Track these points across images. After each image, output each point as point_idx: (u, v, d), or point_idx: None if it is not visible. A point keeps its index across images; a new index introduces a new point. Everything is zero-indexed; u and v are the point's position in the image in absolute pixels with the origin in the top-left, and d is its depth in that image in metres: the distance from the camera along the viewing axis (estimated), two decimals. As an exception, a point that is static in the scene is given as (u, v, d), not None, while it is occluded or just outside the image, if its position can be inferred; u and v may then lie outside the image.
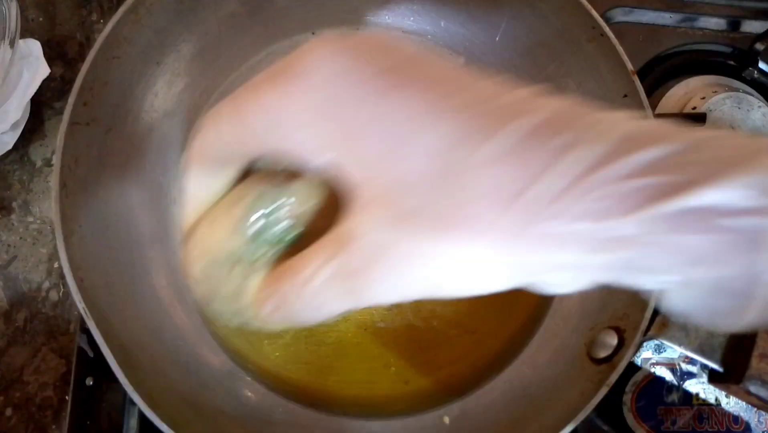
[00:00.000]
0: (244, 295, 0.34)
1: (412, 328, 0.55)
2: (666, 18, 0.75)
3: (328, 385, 0.52)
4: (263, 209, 0.31)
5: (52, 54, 0.68)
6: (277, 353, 0.53)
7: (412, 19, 0.61)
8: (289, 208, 0.31)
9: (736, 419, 0.62)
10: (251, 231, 0.31)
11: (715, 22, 0.76)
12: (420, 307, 0.56)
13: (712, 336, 0.47)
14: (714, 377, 0.49)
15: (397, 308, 0.55)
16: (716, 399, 0.63)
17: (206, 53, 0.57)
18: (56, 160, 0.45)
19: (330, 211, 0.28)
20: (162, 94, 0.55)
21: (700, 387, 0.63)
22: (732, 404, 0.62)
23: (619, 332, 0.48)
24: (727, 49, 0.75)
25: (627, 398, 0.62)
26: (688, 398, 0.62)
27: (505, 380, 0.53)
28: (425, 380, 0.54)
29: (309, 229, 0.31)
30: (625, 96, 0.52)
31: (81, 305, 0.43)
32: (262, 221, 0.31)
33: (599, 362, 0.49)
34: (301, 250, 0.28)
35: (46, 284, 0.63)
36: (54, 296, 0.63)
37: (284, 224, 0.31)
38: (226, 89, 0.58)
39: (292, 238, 0.32)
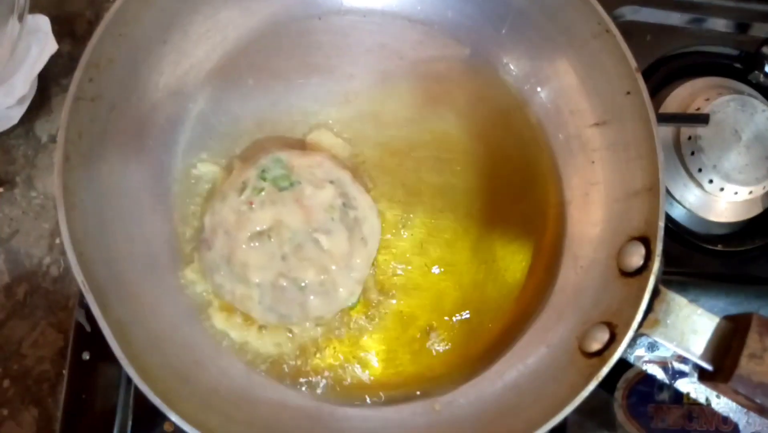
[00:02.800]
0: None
1: (404, 315, 0.55)
2: (674, 18, 0.74)
3: (320, 369, 0.53)
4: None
5: (60, 30, 0.68)
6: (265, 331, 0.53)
7: (419, 8, 0.61)
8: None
9: (725, 419, 0.63)
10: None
11: (723, 24, 0.75)
12: (414, 294, 0.56)
13: (702, 335, 0.48)
14: (703, 376, 0.49)
15: (391, 293, 0.56)
16: (706, 399, 0.63)
17: (213, 34, 0.57)
18: (60, 134, 0.45)
19: None
20: (167, 73, 0.55)
21: (691, 387, 0.63)
22: (722, 404, 0.63)
23: (611, 327, 0.49)
24: (734, 52, 0.75)
25: (618, 394, 0.62)
26: (679, 397, 0.63)
27: (496, 371, 0.53)
28: (418, 368, 0.54)
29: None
30: (628, 93, 0.52)
31: (80, 278, 0.43)
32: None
33: (590, 356, 0.49)
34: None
35: (47, 259, 0.63)
36: (54, 271, 0.63)
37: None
38: (232, 71, 0.58)
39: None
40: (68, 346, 0.58)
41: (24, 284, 0.63)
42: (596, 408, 0.60)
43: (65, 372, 0.57)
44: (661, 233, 0.48)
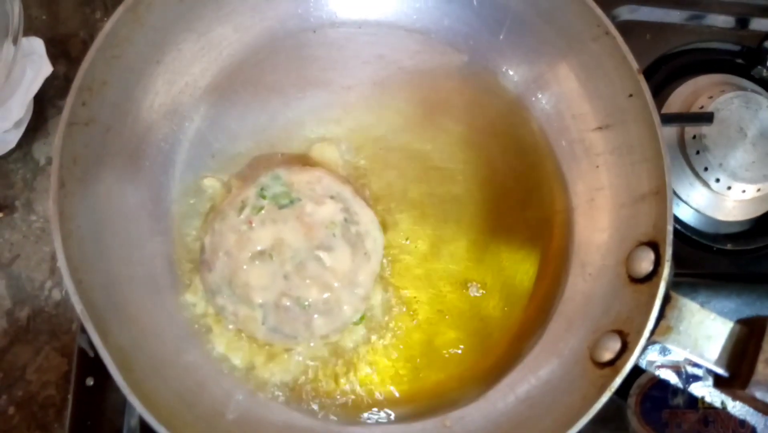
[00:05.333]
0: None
1: (411, 330, 0.55)
2: (673, 16, 0.74)
3: (328, 389, 0.52)
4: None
5: (55, 52, 0.68)
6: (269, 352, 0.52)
7: (415, 16, 0.60)
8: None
9: (742, 422, 0.62)
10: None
11: (723, 20, 0.75)
12: (420, 308, 0.55)
13: (717, 341, 0.47)
14: (719, 382, 0.48)
15: (396, 308, 0.55)
16: (722, 403, 0.62)
17: (207, 52, 0.56)
18: (54, 161, 0.45)
19: None
20: (162, 93, 0.54)
21: (705, 390, 0.62)
22: (738, 407, 0.61)
23: (623, 335, 0.48)
24: (736, 48, 0.74)
25: (631, 401, 0.61)
26: (694, 401, 0.62)
27: (507, 384, 0.52)
28: (426, 384, 0.53)
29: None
30: (631, 96, 0.51)
31: (79, 307, 0.42)
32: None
33: (602, 366, 0.48)
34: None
35: (49, 283, 0.63)
36: (56, 294, 0.63)
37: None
38: (227, 88, 0.58)
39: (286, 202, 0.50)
40: (72, 370, 0.57)
41: (26, 308, 0.62)
42: (609, 416, 0.59)
43: (70, 398, 0.57)
44: (670, 237, 0.47)
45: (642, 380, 0.62)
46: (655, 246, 0.48)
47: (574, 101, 0.57)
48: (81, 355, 0.57)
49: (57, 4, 0.72)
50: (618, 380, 0.45)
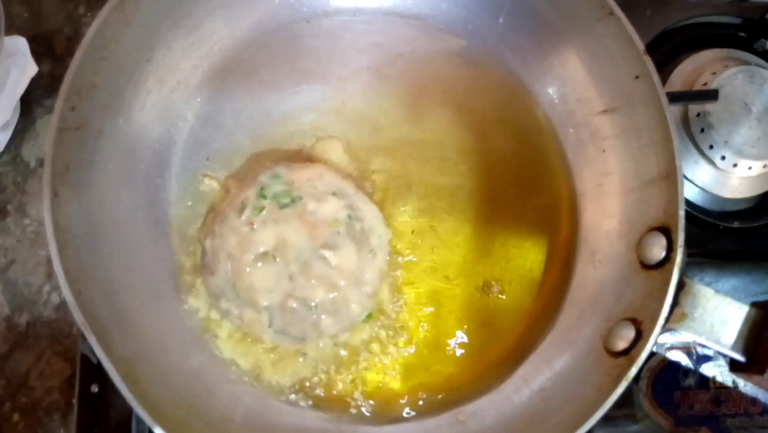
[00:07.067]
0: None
1: (420, 325, 0.54)
2: (673, -10, 0.72)
3: (339, 388, 0.51)
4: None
5: (39, 50, 0.66)
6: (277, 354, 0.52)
7: (411, 2, 0.59)
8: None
9: (753, 401, 0.62)
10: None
11: (724, -7, 0.73)
12: (429, 302, 0.54)
13: (733, 326, 0.46)
14: (735, 367, 0.48)
15: (404, 303, 0.54)
16: (733, 382, 0.62)
17: (198, 48, 0.55)
18: (46, 169, 0.43)
19: None
20: (154, 92, 0.53)
21: (716, 370, 0.62)
22: (749, 386, 0.61)
23: (637, 323, 0.47)
24: (737, 21, 0.73)
25: (643, 384, 0.61)
26: (705, 381, 0.62)
27: (520, 376, 0.51)
28: (438, 379, 0.52)
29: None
30: (637, 78, 0.50)
31: (80, 320, 0.41)
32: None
33: (617, 355, 0.47)
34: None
35: (47, 287, 0.62)
36: (55, 298, 0.62)
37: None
38: (220, 85, 0.56)
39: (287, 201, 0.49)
40: (75, 375, 0.56)
41: (25, 313, 0.61)
42: (621, 400, 0.59)
43: (75, 403, 0.56)
44: (682, 222, 0.46)
45: (653, 362, 0.61)
46: (666, 231, 0.47)
47: (578, 84, 0.55)
48: (84, 361, 0.56)
49: (39, 0, 0.70)
50: (634, 370, 0.45)
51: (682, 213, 0.46)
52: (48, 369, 0.60)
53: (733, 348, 0.46)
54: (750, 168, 0.65)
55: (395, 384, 0.52)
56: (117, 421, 0.55)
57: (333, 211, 0.49)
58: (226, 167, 0.55)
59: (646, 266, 0.49)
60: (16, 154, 0.65)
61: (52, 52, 0.68)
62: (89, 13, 0.70)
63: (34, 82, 0.64)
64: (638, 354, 0.45)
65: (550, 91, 0.58)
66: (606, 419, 0.58)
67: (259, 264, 0.48)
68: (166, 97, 0.53)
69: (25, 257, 0.63)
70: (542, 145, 0.58)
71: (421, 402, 0.52)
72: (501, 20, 0.57)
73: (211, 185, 0.54)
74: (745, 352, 0.46)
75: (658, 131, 0.49)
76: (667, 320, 0.46)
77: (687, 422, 0.61)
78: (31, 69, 0.63)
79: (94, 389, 0.55)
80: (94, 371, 0.56)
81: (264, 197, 0.50)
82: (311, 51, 0.57)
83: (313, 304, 0.49)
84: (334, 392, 0.51)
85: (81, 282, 0.43)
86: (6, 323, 0.61)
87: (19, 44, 0.63)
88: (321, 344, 0.51)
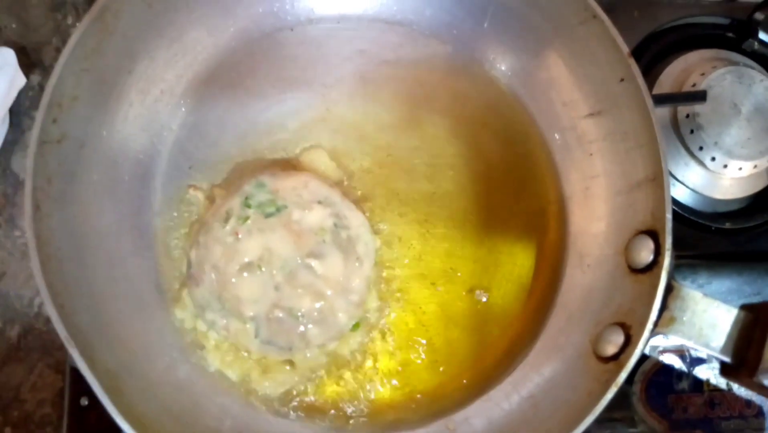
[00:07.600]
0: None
1: (408, 333, 0.53)
2: (661, -9, 0.72)
3: (327, 398, 0.51)
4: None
5: (28, 62, 0.66)
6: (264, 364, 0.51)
7: (395, 8, 0.58)
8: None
9: (748, 403, 0.61)
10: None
11: (711, -7, 0.73)
12: (417, 310, 0.54)
13: (722, 329, 0.46)
14: (726, 371, 0.47)
15: (392, 312, 0.54)
16: (727, 384, 0.61)
17: (181, 57, 0.54)
18: (27, 183, 0.43)
19: None
20: (137, 103, 0.52)
21: (710, 373, 0.61)
22: (743, 388, 0.61)
23: (625, 328, 0.47)
24: (725, 21, 0.73)
25: (636, 387, 0.60)
26: (699, 384, 0.61)
27: (509, 383, 0.51)
28: (427, 387, 0.52)
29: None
30: (622, 80, 0.50)
31: (63, 334, 0.41)
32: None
33: (606, 360, 0.47)
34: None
35: (38, 300, 0.62)
36: (46, 311, 0.61)
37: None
38: (204, 94, 0.56)
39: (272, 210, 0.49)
40: (66, 390, 0.56)
41: (17, 326, 0.61)
42: (615, 403, 0.59)
43: (65, 418, 0.55)
44: (669, 225, 0.46)
45: (646, 366, 0.61)
46: (654, 234, 0.47)
47: (563, 88, 0.55)
48: (74, 374, 0.55)
49: (26, 11, 0.70)
50: (623, 375, 0.45)
51: (669, 216, 0.46)
52: (40, 382, 0.60)
53: (723, 351, 0.46)
54: (740, 169, 0.64)
55: (384, 393, 0.52)
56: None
57: (319, 220, 0.49)
58: (212, 177, 0.55)
59: (635, 270, 0.48)
60: (6, 167, 0.65)
61: (41, 63, 0.68)
62: (78, 24, 0.70)
63: (23, 93, 0.64)
64: (627, 359, 0.45)
65: (536, 94, 0.57)
66: (604, 422, 0.58)
67: (245, 274, 0.48)
68: (149, 108, 0.53)
69: (16, 269, 0.62)
70: (529, 149, 0.57)
71: (410, 411, 0.51)
72: (485, 25, 0.57)
73: (196, 195, 0.54)
74: (735, 355, 0.45)
75: (644, 134, 0.49)
76: (656, 324, 0.45)
77: (681, 426, 0.60)
78: (20, 80, 0.63)
79: (84, 402, 0.55)
80: (83, 383, 0.55)
81: (249, 207, 0.49)
82: (296, 59, 0.57)
83: (299, 313, 0.48)
84: (323, 402, 0.51)
85: (64, 295, 0.43)
86: (-3, 336, 0.60)
87: (7, 56, 0.63)
88: (309, 354, 0.50)
